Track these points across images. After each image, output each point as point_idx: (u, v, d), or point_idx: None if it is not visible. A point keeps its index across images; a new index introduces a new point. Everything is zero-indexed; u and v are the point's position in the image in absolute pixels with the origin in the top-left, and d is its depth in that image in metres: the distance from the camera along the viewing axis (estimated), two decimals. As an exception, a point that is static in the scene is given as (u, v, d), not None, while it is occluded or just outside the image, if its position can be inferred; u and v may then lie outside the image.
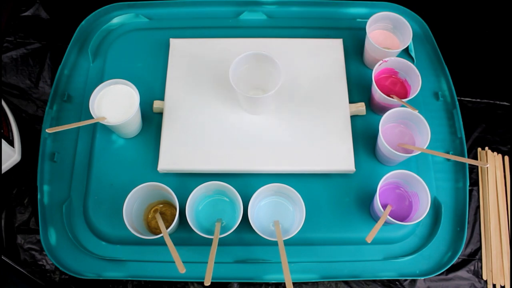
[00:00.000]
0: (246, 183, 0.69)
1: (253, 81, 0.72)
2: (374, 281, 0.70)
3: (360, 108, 0.74)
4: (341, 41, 0.78)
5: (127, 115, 0.68)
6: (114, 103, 0.69)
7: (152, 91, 0.77)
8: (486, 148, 0.79)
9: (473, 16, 0.90)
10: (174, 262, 0.58)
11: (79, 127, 0.76)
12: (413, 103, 0.75)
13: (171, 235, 0.64)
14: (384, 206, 0.65)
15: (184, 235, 0.68)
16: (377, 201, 0.63)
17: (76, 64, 0.81)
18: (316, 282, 0.69)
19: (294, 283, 0.68)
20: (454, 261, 0.68)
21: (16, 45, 0.85)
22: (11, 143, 0.74)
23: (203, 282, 0.58)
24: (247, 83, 0.71)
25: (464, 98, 0.82)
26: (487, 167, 0.76)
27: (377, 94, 0.70)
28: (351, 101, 0.76)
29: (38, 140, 0.75)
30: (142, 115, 0.73)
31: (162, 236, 0.61)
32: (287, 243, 0.63)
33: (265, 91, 0.73)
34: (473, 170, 0.77)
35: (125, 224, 0.61)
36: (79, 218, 0.71)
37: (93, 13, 0.84)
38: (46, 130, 0.65)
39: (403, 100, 0.69)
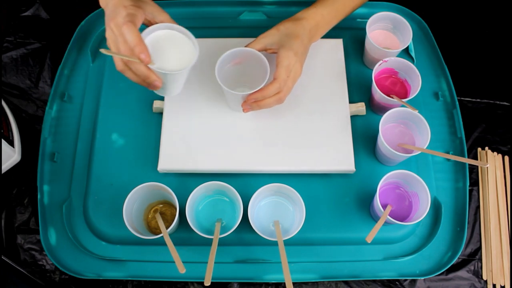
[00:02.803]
0: (246, 183, 0.69)
1: (240, 78, 0.71)
2: (374, 281, 0.70)
3: (360, 108, 0.74)
4: (341, 41, 0.78)
5: (180, 67, 0.59)
6: (171, 50, 0.61)
7: (152, 91, 0.77)
8: (486, 148, 0.79)
9: (473, 16, 0.90)
10: (174, 262, 0.58)
11: (78, 127, 0.76)
12: (413, 103, 0.75)
13: (171, 235, 0.64)
14: (384, 206, 0.65)
15: (184, 235, 0.68)
16: (377, 201, 0.63)
17: (76, 64, 0.81)
18: (316, 282, 0.69)
19: (294, 283, 0.67)
20: (454, 261, 0.68)
21: (16, 45, 0.85)
22: (11, 143, 0.74)
23: (203, 282, 0.58)
24: (234, 81, 0.70)
25: (464, 98, 0.82)
26: (487, 167, 0.76)
27: (377, 94, 0.70)
28: (351, 101, 0.76)
29: (38, 140, 0.75)
30: (141, 115, 0.73)
31: (162, 236, 0.61)
32: (287, 243, 0.63)
33: (252, 88, 0.71)
34: (473, 170, 0.77)
35: (125, 224, 0.61)
36: (79, 218, 0.71)
37: (93, 13, 0.83)
38: (100, 50, 0.56)
39: (403, 100, 0.69)
